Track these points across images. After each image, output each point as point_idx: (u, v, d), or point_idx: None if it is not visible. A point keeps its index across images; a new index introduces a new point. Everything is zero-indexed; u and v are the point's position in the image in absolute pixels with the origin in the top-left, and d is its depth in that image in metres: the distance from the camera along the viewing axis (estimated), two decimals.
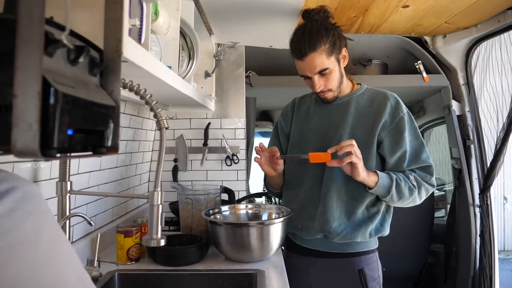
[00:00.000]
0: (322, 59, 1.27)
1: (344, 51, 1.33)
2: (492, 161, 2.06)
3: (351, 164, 1.23)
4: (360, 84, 1.45)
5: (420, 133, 1.37)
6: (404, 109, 1.35)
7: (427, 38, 2.26)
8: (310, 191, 1.40)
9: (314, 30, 1.26)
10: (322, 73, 1.29)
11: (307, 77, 1.33)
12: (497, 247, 2.14)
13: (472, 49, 2.16)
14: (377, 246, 1.42)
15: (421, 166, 1.34)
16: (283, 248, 1.58)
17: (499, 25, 1.88)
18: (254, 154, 2.29)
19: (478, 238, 2.14)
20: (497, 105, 2.08)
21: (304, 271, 1.44)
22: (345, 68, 1.37)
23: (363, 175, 1.24)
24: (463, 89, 2.24)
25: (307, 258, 1.43)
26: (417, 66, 2.24)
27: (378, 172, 1.28)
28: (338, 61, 1.32)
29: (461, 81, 2.24)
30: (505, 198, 6.39)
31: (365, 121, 1.35)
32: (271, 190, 1.59)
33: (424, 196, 1.34)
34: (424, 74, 2.23)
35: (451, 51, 2.22)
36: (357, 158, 1.21)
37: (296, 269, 1.46)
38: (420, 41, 2.27)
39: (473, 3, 1.71)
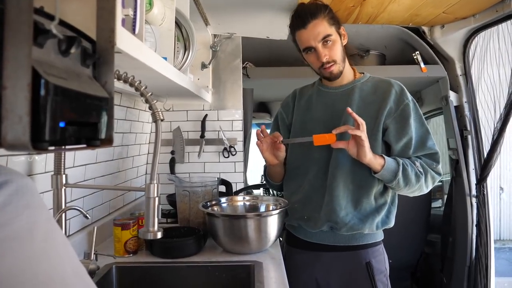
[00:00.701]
0: (324, 25, 1.29)
1: (342, 30, 1.35)
2: (489, 151, 2.06)
3: (358, 143, 1.22)
4: (363, 73, 1.45)
5: (425, 121, 1.36)
6: (409, 96, 1.35)
7: (425, 29, 2.24)
8: (315, 180, 1.37)
9: (313, 4, 1.32)
10: (326, 41, 1.29)
11: (310, 51, 1.32)
12: (493, 236, 2.15)
13: (470, 39, 2.15)
14: (383, 238, 1.41)
15: (427, 153, 1.33)
16: (280, 239, 1.58)
17: (497, 15, 1.86)
18: (252, 146, 2.30)
19: (475, 228, 2.16)
20: (494, 96, 2.08)
21: (309, 266, 1.40)
22: (346, 53, 1.38)
23: (370, 155, 1.23)
24: (461, 80, 2.23)
25: (311, 252, 1.40)
26: (415, 57, 2.23)
27: (385, 156, 1.28)
28: (340, 34, 1.33)
29: (459, 71, 2.23)
30: (501, 188, 6.43)
31: (370, 108, 1.34)
32: (271, 182, 1.55)
33: (430, 185, 1.33)
34: (422, 65, 2.22)
35: (449, 42, 2.20)
36: (364, 134, 1.20)
37: (299, 264, 1.43)
38: (418, 31, 2.26)
39: None
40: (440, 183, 3.07)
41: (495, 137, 2.01)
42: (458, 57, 2.23)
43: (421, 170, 1.29)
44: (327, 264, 1.38)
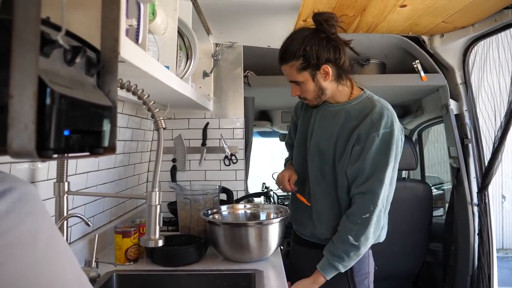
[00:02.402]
0: (292, 72, 1.31)
1: (325, 68, 1.28)
2: (490, 160, 2.06)
3: None
4: (363, 90, 1.40)
5: (390, 159, 1.27)
6: (382, 129, 1.26)
7: (425, 38, 2.26)
8: (310, 188, 1.44)
9: (294, 42, 1.29)
10: (295, 83, 1.34)
11: None
12: (495, 245, 2.14)
13: (469, 48, 2.16)
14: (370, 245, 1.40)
15: (361, 191, 1.28)
16: (281, 247, 1.58)
17: (496, 25, 1.88)
18: (253, 154, 2.30)
19: (477, 236, 2.15)
20: (494, 104, 2.09)
21: (300, 260, 1.50)
22: (341, 77, 1.34)
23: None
24: (461, 88, 2.24)
25: (303, 248, 1.48)
26: (415, 66, 2.24)
27: (319, 268, 1.30)
28: (313, 76, 1.30)
29: (459, 80, 2.24)
30: (503, 197, 6.40)
31: (347, 133, 1.32)
32: None
33: (364, 237, 1.27)
34: (422, 74, 2.23)
35: (449, 50, 2.22)
36: None
37: (297, 256, 1.53)
38: (417, 40, 2.28)
39: (470, 2, 1.72)
40: (442, 192, 3.06)
41: (496, 145, 2.01)
42: (458, 65, 2.24)
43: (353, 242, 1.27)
44: (312, 260, 1.38)
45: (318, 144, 1.38)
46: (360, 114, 1.32)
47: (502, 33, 1.95)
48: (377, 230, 1.29)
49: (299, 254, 1.52)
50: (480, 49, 2.15)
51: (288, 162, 1.66)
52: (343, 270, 1.28)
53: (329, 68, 1.29)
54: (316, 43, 1.27)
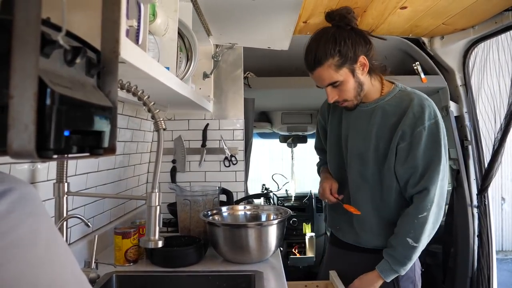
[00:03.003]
0: (329, 73, 1.22)
1: (362, 59, 1.24)
2: (489, 162, 2.06)
3: None
4: (394, 84, 1.35)
5: (441, 148, 1.24)
6: (427, 121, 1.23)
7: (425, 39, 2.26)
8: (349, 194, 1.40)
9: (322, 42, 1.21)
10: (334, 85, 1.26)
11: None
12: (495, 247, 2.14)
13: (469, 50, 2.17)
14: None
15: (418, 192, 1.25)
16: (281, 249, 1.58)
17: (496, 27, 1.88)
18: (253, 155, 2.30)
19: (476, 238, 2.15)
20: (494, 106, 2.09)
21: (340, 262, 1.45)
22: (372, 71, 1.30)
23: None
24: (461, 90, 2.24)
25: (344, 250, 1.45)
26: (415, 67, 2.25)
27: (377, 268, 1.29)
28: (353, 71, 1.24)
29: (459, 82, 2.25)
30: (503, 199, 6.40)
31: (388, 131, 1.28)
32: None
33: (427, 234, 1.26)
34: (422, 75, 2.23)
35: (449, 52, 2.22)
36: None
37: (337, 258, 1.48)
38: (418, 42, 2.28)
39: (470, 4, 1.72)
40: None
41: (495, 147, 2.01)
42: (458, 67, 2.24)
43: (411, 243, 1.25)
44: (354, 263, 1.39)
45: (356, 147, 1.33)
46: (398, 109, 1.27)
47: (502, 35, 1.95)
48: (436, 224, 1.26)
49: (340, 256, 1.45)
50: (480, 51, 2.15)
51: (321, 166, 1.62)
52: (403, 273, 1.27)
53: (365, 59, 1.25)
54: (348, 36, 1.22)
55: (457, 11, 1.81)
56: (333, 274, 1.38)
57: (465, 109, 2.23)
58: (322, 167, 1.61)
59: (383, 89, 1.32)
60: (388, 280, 1.28)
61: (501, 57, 2.04)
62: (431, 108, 1.25)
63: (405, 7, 1.79)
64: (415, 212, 1.23)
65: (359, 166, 1.32)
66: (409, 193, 1.27)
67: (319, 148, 1.64)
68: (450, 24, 2.00)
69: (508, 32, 1.92)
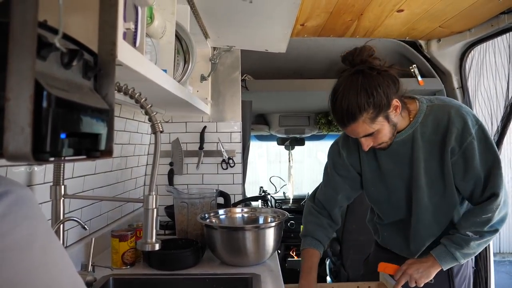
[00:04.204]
0: (364, 127, 1.15)
1: (395, 102, 1.16)
2: None
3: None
4: (417, 101, 1.27)
5: (494, 148, 1.21)
6: (472, 129, 1.18)
7: (422, 42, 2.27)
8: (398, 218, 1.36)
9: (352, 96, 1.11)
10: (369, 135, 1.19)
11: None
12: (492, 249, 2.14)
13: (466, 53, 2.18)
14: None
15: (486, 197, 1.20)
16: (279, 251, 1.57)
17: (492, 30, 1.89)
18: (250, 158, 2.30)
19: None
20: (491, 109, 2.10)
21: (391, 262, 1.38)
22: (401, 98, 1.21)
23: (430, 276, 1.22)
24: (458, 93, 2.25)
25: (394, 255, 1.40)
26: (412, 70, 2.26)
27: (434, 255, 1.23)
28: (387, 117, 1.16)
29: (456, 84, 2.26)
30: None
31: (435, 150, 1.23)
32: None
33: (491, 235, 1.22)
34: (419, 78, 2.24)
35: (446, 55, 2.23)
36: (417, 281, 1.21)
37: (383, 259, 1.39)
38: (415, 45, 2.29)
39: (467, 7, 1.73)
40: None
41: None
42: (454, 70, 2.25)
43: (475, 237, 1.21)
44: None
45: (406, 178, 1.28)
46: (438, 127, 1.22)
47: (499, 38, 1.96)
48: (502, 220, 1.21)
49: (390, 260, 1.37)
50: (477, 54, 2.16)
51: (308, 244, 1.41)
52: (462, 262, 1.21)
53: (397, 101, 1.17)
54: (377, 84, 1.12)
55: (453, 14, 1.82)
56: (383, 273, 1.33)
57: None
58: (308, 248, 1.40)
59: (410, 112, 1.25)
60: (445, 268, 1.21)
61: (498, 60, 2.05)
62: (470, 114, 1.21)
63: (402, 10, 1.79)
64: (480, 212, 1.20)
65: (416, 194, 1.27)
66: (476, 202, 1.23)
67: (333, 202, 1.43)
68: (446, 27, 2.01)
69: (504, 36, 1.93)
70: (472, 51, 2.16)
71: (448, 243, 1.22)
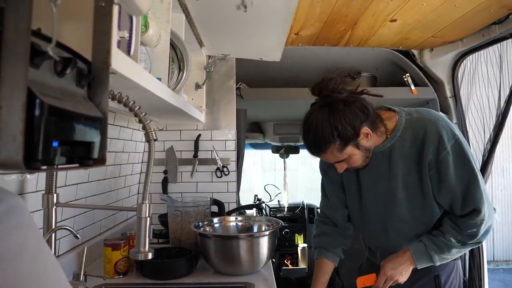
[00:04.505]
0: (334, 155, 1.19)
1: (364, 130, 1.18)
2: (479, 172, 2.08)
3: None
4: (396, 114, 1.27)
5: (472, 163, 1.19)
6: (448, 143, 1.18)
7: (415, 51, 2.30)
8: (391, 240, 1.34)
9: (318, 130, 1.16)
10: (341, 161, 1.22)
11: None
12: (486, 257, 2.15)
13: (458, 62, 2.20)
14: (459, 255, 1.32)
15: (468, 212, 1.20)
16: (273, 260, 1.56)
17: (484, 40, 1.92)
18: (245, 166, 2.29)
19: None
20: (483, 117, 2.12)
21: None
22: (375, 126, 1.22)
23: (405, 276, 1.23)
24: (450, 102, 2.27)
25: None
26: (405, 79, 2.28)
27: (410, 249, 1.24)
28: (357, 145, 1.19)
29: (448, 93, 2.28)
30: (493, 209, 6.44)
31: (413, 164, 1.23)
32: None
33: (467, 247, 1.23)
34: (412, 87, 2.26)
35: (438, 64, 2.26)
36: (395, 279, 1.22)
37: (371, 266, 1.41)
38: (408, 54, 2.32)
39: (458, 18, 1.75)
40: None
41: (485, 158, 2.04)
42: (447, 79, 2.28)
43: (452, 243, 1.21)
44: None
45: (384, 191, 1.28)
46: (415, 141, 1.22)
47: (490, 47, 1.99)
48: (487, 232, 1.22)
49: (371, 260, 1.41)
50: (469, 63, 2.19)
51: (318, 254, 1.41)
52: (437, 264, 1.21)
53: (367, 129, 1.18)
54: (342, 116, 1.15)
55: (445, 24, 1.85)
56: None
57: (454, 120, 2.26)
58: (320, 258, 1.40)
59: (387, 126, 1.25)
60: (419, 267, 1.21)
61: (489, 69, 2.08)
62: (447, 128, 1.20)
63: (395, 20, 1.82)
64: (464, 227, 1.20)
65: (392, 209, 1.27)
66: (459, 216, 1.22)
67: (332, 209, 1.44)
68: (439, 36, 2.04)
69: (496, 46, 1.96)
70: (464, 61, 2.19)
71: (429, 244, 1.21)
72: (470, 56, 2.14)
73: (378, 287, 1.23)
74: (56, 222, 1.10)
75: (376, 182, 1.29)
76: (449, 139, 1.18)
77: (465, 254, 2.14)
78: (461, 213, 1.21)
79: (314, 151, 1.21)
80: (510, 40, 1.85)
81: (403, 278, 1.22)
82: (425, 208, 1.25)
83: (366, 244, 1.47)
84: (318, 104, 1.20)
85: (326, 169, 1.43)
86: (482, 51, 2.06)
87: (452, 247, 1.20)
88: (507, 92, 1.94)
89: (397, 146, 1.24)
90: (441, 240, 1.21)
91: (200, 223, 1.51)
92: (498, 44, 1.93)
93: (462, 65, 2.21)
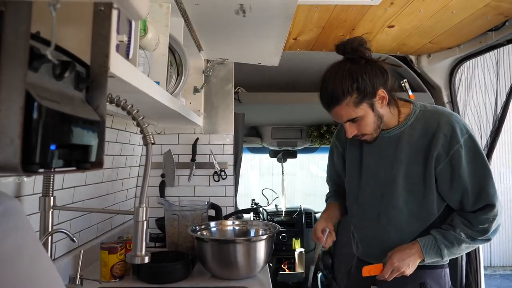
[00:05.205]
0: (348, 110, 1.18)
1: (380, 92, 1.18)
2: None
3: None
4: (412, 104, 1.29)
5: (484, 160, 1.20)
6: (461, 137, 1.18)
7: (412, 57, 2.31)
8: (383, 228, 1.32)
9: (338, 79, 1.16)
10: (353, 121, 1.21)
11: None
12: (482, 263, 2.15)
13: (455, 68, 2.22)
14: (447, 263, 1.30)
15: (480, 207, 1.19)
16: (270, 264, 1.56)
17: (480, 46, 1.93)
18: (242, 170, 2.29)
19: (464, 255, 2.15)
20: (480, 123, 2.13)
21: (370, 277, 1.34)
22: (391, 100, 1.24)
23: (412, 268, 1.20)
24: (448, 107, 2.28)
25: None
26: (403, 84, 2.29)
27: (420, 242, 1.21)
28: (372, 105, 1.19)
29: (446, 99, 2.29)
30: None
31: (420, 155, 1.22)
32: None
33: (478, 243, 1.22)
34: (410, 92, 2.27)
35: (436, 70, 2.27)
36: (402, 271, 1.19)
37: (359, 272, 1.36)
38: (405, 59, 2.33)
39: (456, 24, 1.77)
40: None
41: None
42: (444, 85, 2.29)
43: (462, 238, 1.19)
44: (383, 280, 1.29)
45: (384, 176, 1.27)
46: (426, 132, 1.22)
47: (487, 54, 2.01)
48: (496, 231, 1.20)
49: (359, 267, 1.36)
50: (466, 69, 2.20)
51: (329, 200, 1.51)
52: (445, 259, 1.20)
53: (384, 92, 1.19)
54: (364, 71, 1.16)
55: (442, 30, 1.86)
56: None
57: None
58: (329, 202, 1.50)
59: (401, 112, 1.27)
60: (427, 260, 1.19)
61: (486, 75, 2.09)
62: (460, 123, 1.21)
63: (393, 26, 1.83)
64: (476, 223, 1.19)
65: (390, 195, 1.26)
66: (468, 211, 1.21)
67: (333, 180, 1.54)
68: (436, 42, 2.05)
69: (492, 52, 1.97)
70: (462, 67, 2.20)
71: (439, 238, 1.19)
72: (467, 62, 2.15)
73: (384, 277, 1.21)
74: (52, 225, 1.09)
75: (378, 167, 1.29)
76: (463, 133, 1.19)
77: (461, 260, 2.15)
78: (472, 208, 1.20)
79: (330, 101, 1.19)
80: (506, 46, 1.86)
81: (409, 270, 1.20)
82: (423, 202, 1.24)
83: (354, 236, 1.44)
84: (340, 60, 1.22)
85: (333, 148, 1.49)
86: (479, 57, 2.08)
87: (462, 241, 1.19)
88: (504, 98, 1.96)
89: (407, 134, 1.25)
90: (451, 234, 1.19)
91: (197, 227, 1.51)
92: (495, 51, 1.95)
93: (459, 71, 2.22)
